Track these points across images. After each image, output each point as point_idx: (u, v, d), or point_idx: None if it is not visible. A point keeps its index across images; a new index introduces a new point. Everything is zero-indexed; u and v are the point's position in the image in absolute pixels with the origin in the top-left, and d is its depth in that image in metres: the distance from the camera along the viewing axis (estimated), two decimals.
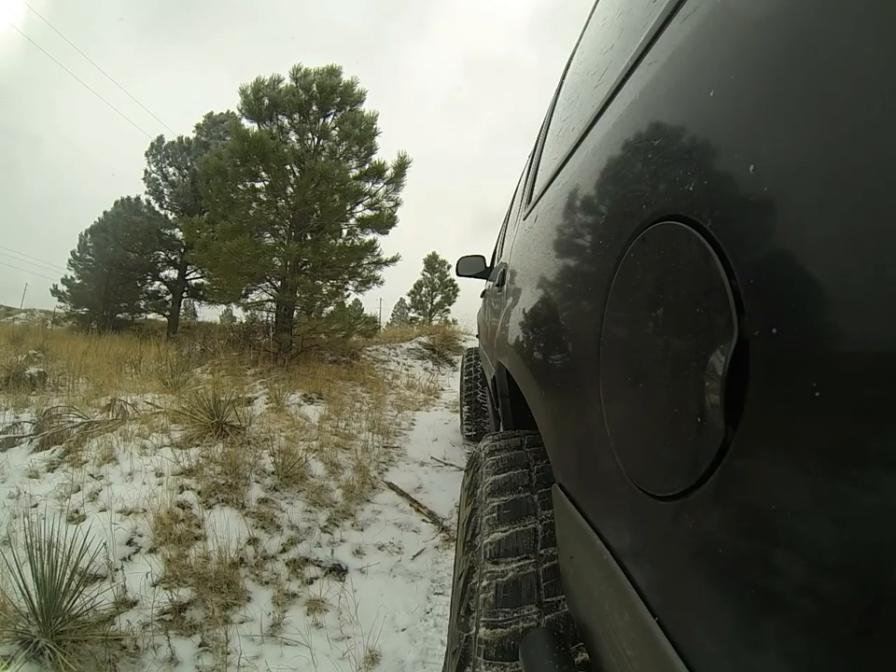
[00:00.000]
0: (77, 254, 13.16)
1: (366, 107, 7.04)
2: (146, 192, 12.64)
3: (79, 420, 3.01)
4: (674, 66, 0.37)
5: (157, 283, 13.08)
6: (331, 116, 6.92)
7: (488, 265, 2.70)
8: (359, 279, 7.35)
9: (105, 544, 1.79)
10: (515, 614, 0.54)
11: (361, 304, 15.70)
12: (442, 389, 6.15)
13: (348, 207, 6.76)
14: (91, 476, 2.39)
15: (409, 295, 22.67)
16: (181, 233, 9.74)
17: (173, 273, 13.02)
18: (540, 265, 0.79)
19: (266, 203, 6.69)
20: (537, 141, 1.54)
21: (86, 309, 12.90)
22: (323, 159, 6.62)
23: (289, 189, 6.46)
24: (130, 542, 1.90)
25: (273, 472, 2.60)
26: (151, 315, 13.53)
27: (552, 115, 1.28)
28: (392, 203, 7.09)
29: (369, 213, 7.02)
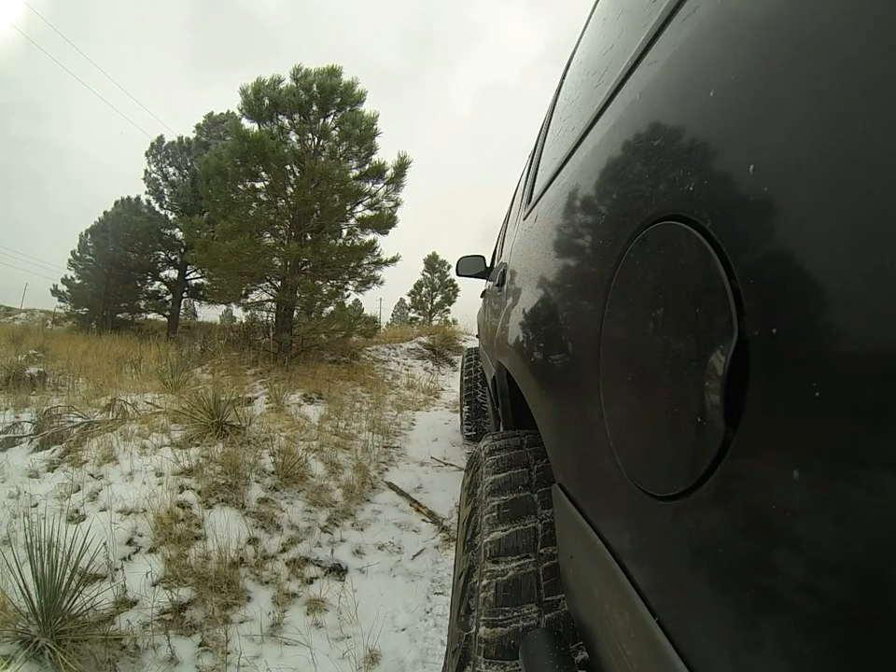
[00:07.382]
0: (77, 254, 13.15)
1: (366, 108, 7.06)
2: (146, 192, 12.65)
3: (79, 420, 3.01)
4: (674, 66, 0.37)
5: (157, 283, 13.06)
6: (331, 116, 6.92)
7: (488, 265, 2.70)
8: (359, 279, 7.36)
9: (104, 544, 1.79)
10: (515, 613, 0.54)
11: (361, 304, 15.68)
12: (442, 389, 6.14)
13: (348, 207, 6.77)
14: (91, 476, 2.39)
15: (409, 295, 22.68)
16: (181, 233, 9.73)
17: (173, 273, 13.00)
18: (540, 265, 0.79)
19: (266, 203, 6.69)
20: (537, 141, 1.54)
21: (86, 309, 12.88)
22: (323, 159, 6.62)
23: (289, 189, 6.46)
24: (130, 542, 1.90)
25: (273, 472, 2.60)
26: (151, 315, 13.51)
27: (552, 115, 1.28)
28: (392, 204, 7.11)
29: (369, 213, 7.03)
